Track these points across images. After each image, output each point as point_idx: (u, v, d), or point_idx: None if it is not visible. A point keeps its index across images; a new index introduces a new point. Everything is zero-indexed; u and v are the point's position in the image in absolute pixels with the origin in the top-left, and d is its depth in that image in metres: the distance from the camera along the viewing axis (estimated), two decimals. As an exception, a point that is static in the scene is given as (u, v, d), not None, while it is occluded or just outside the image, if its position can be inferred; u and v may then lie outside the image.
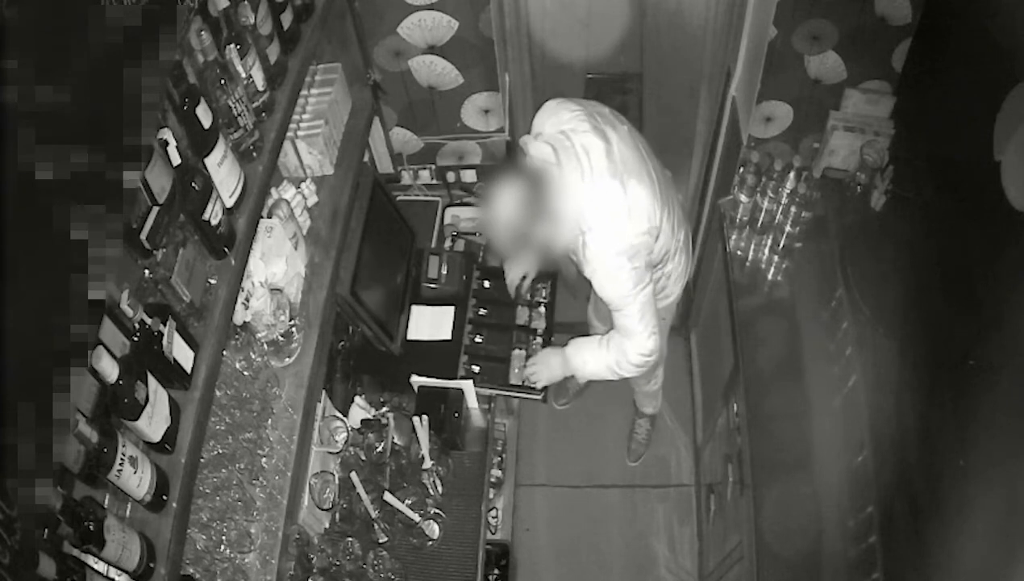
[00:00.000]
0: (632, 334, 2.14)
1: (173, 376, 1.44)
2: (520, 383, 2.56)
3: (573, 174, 1.99)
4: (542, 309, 2.71)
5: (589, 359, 2.32)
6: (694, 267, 2.75)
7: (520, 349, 2.61)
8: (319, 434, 2.21)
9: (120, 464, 1.26)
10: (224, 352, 1.72)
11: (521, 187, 1.92)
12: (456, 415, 2.49)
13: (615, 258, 2.02)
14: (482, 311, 2.71)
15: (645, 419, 3.48)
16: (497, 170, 1.99)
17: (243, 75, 1.69)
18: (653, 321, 2.15)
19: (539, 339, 2.64)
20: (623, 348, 2.19)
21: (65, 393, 1.08)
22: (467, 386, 2.53)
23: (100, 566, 1.24)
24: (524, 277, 2.60)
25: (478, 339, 2.65)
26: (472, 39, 2.60)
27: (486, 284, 2.76)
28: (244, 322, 1.90)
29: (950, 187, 2.16)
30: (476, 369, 2.59)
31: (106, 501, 1.34)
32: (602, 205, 2.00)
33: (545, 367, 2.48)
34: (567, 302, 3.39)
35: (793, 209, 2.64)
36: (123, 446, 1.27)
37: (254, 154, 1.76)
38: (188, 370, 1.48)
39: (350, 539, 2.21)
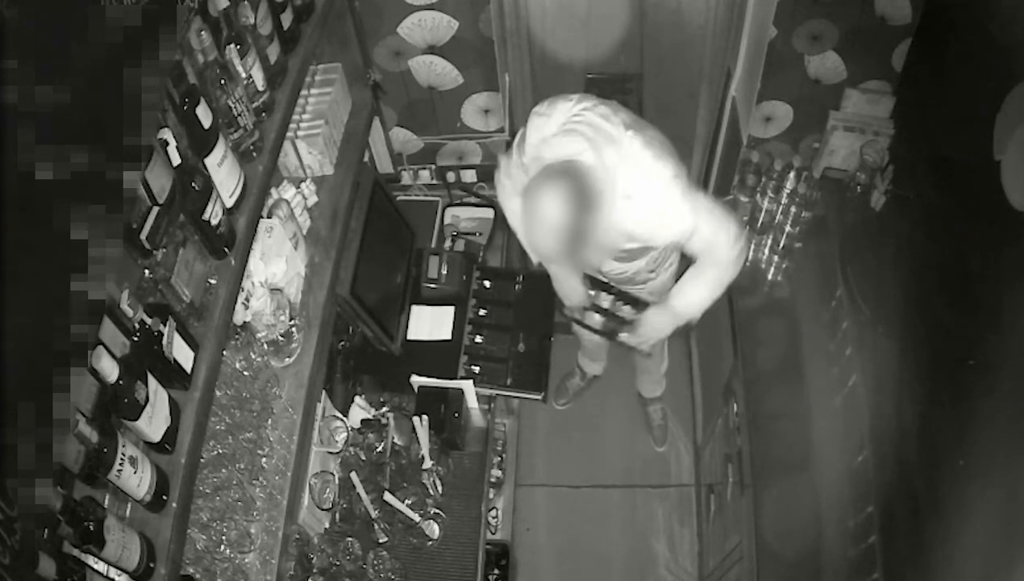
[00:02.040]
0: (715, 241, 2.07)
1: (173, 376, 1.44)
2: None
3: (607, 148, 1.93)
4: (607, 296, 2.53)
5: (695, 293, 2.23)
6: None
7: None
8: (319, 434, 2.21)
9: (120, 464, 1.26)
10: (224, 352, 1.72)
11: (567, 188, 1.82)
12: (456, 415, 2.49)
13: (668, 188, 1.96)
14: (482, 311, 2.71)
15: (656, 403, 3.50)
16: (531, 188, 1.86)
17: (243, 75, 1.69)
18: (717, 209, 2.08)
19: (625, 308, 2.49)
20: (717, 257, 2.11)
21: (65, 393, 1.08)
22: (467, 386, 2.53)
23: (100, 566, 1.24)
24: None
25: (478, 339, 2.65)
26: (472, 39, 2.60)
27: (486, 284, 2.76)
28: (244, 322, 1.90)
29: (950, 187, 2.16)
30: (476, 369, 2.59)
31: (106, 501, 1.34)
32: (637, 157, 1.95)
33: (653, 329, 2.38)
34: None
35: (793, 209, 2.64)
36: (123, 446, 1.27)
37: (254, 154, 1.76)
38: (188, 370, 1.48)
39: (350, 539, 2.21)
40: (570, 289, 2.46)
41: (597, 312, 2.49)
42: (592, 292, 2.45)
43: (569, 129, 1.97)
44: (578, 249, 1.92)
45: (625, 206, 1.96)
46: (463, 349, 2.62)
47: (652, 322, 2.38)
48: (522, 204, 1.90)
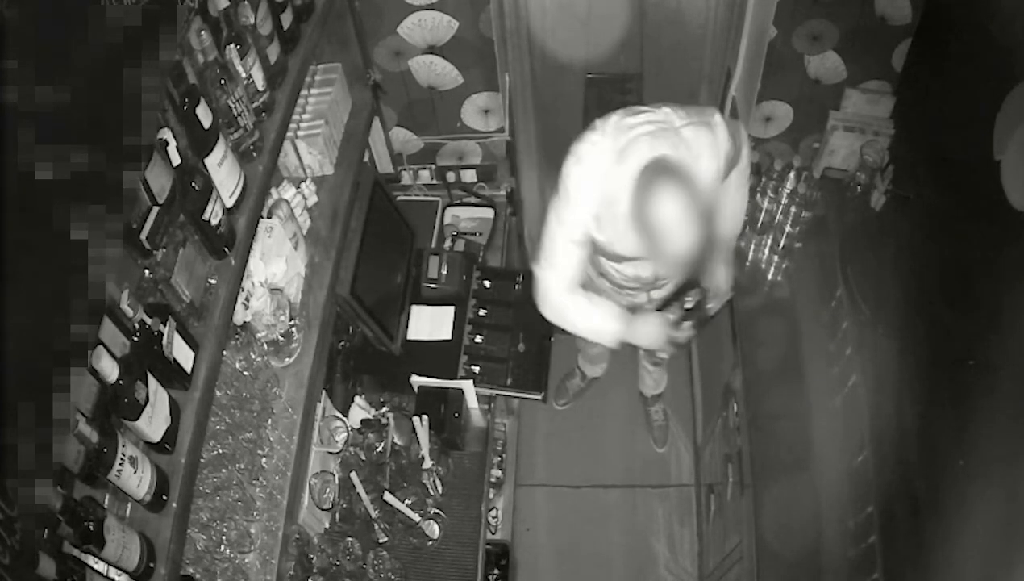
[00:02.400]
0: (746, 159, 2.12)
1: (173, 376, 1.44)
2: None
3: (665, 133, 1.89)
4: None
5: (737, 201, 2.19)
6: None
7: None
8: (319, 434, 2.21)
9: (120, 464, 1.26)
10: (224, 352, 1.72)
11: (673, 182, 1.75)
12: (456, 415, 2.49)
13: (714, 122, 1.96)
14: (482, 311, 2.71)
15: (657, 403, 3.50)
16: (642, 204, 1.77)
17: (243, 75, 1.69)
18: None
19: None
20: (742, 167, 2.13)
21: (65, 393, 1.08)
22: (467, 386, 2.53)
23: (100, 566, 1.24)
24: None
25: (478, 339, 2.65)
26: (472, 39, 2.60)
27: (486, 284, 2.76)
28: (244, 322, 1.90)
29: (950, 187, 2.16)
30: (476, 369, 2.59)
31: (106, 501, 1.34)
32: (683, 119, 1.92)
33: (722, 278, 2.24)
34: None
35: (793, 209, 2.64)
36: (123, 446, 1.27)
37: (254, 154, 1.76)
38: (188, 370, 1.48)
39: (350, 539, 2.21)
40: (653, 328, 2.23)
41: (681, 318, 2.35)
42: (671, 316, 2.30)
43: (627, 140, 1.88)
44: (712, 235, 1.83)
45: (700, 164, 1.91)
46: (463, 349, 2.62)
47: (717, 275, 2.25)
48: (640, 226, 1.80)
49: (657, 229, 1.77)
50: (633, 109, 1.96)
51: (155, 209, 1.38)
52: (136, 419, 1.31)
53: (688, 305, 2.28)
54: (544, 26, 2.80)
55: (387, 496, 2.29)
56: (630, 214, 1.83)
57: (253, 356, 1.91)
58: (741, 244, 2.74)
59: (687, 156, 1.87)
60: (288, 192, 2.16)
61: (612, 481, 3.49)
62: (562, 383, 3.58)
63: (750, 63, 2.65)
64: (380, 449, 2.33)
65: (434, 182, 3.12)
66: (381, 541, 2.31)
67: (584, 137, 1.95)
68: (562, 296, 2.09)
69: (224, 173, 1.59)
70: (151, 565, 1.32)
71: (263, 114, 1.80)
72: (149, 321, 1.36)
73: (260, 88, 1.77)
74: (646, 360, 3.26)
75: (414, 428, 2.41)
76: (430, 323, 2.67)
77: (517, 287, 2.77)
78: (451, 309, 2.68)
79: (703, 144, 1.92)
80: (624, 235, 1.94)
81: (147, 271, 1.42)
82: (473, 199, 3.08)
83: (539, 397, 2.63)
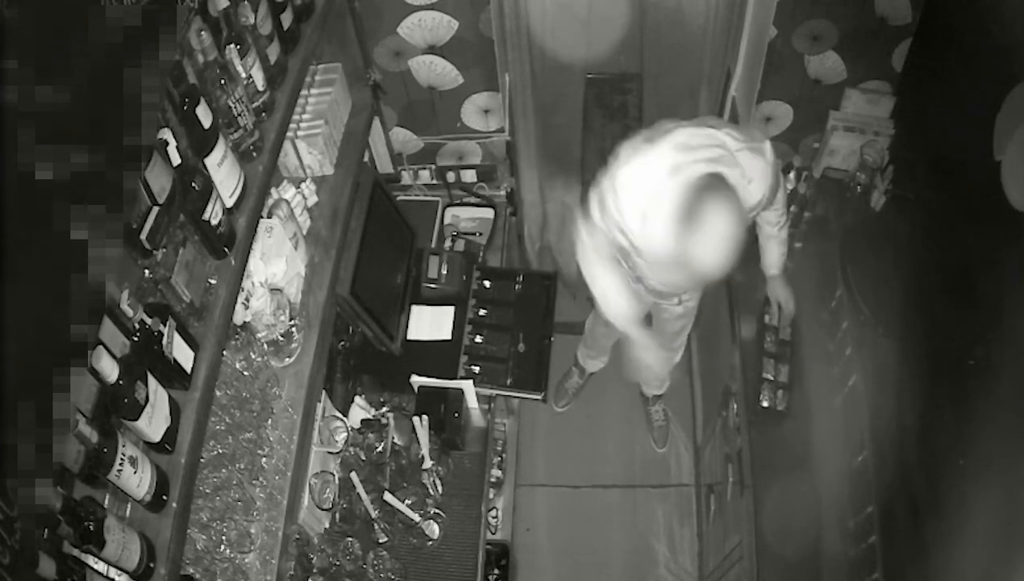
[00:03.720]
0: (780, 198, 2.18)
1: (173, 376, 1.44)
2: None
3: (722, 157, 1.94)
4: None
5: (781, 258, 2.39)
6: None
7: None
8: (319, 434, 2.21)
9: (120, 464, 1.26)
10: (224, 352, 1.72)
11: (726, 198, 1.81)
12: (456, 415, 2.49)
13: (762, 154, 2.01)
14: (482, 311, 2.71)
15: (658, 402, 3.50)
16: (694, 209, 1.81)
17: (243, 75, 1.69)
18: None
19: None
20: (783, 210, 2.24)
21: (65, 393, 1.08)
22: (467, 386, 2.53)
23: (100, 566, 1.24)
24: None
25: (478, 339, 2.65)
26: (472, 39, 2.60)
27: (486, 284, 2.76)
28: (244, 322, 1.90)
29: (950, 187, 2.16)
30: (476, 369, 2.59)
31: (106, 501, 1.34)
32: (734, 140, 1.98)
33: (786, 297, 2.48)
34: (567, 302, 3.40)
35: (793, 209, 2.64)
36: (123, 446, 1.27)
37: (254, 154, 1.76)
38: (188, 370, 1.48)
39: (350, 539, 2.21)
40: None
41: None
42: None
43: (681, 168, 1.91)
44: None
45: (750, 188, 1.97)
46: (463, 349, 2.62)
47: (780, 293, 2.47)
48: (681, 230, 1.82)
49: (698, 238, 1.79)
50: (695, 132, 1.98)
51: (155, 209, 1.38)
52: (136, 419, 1.31)
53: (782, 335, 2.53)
54: (544, 26, 2.80)
55: (387, 496, 2.29)
56: (674, 216, 1.84)
57: (253, 356, 1.91)
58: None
59: (740, 180, 1.92)
60: (288, 192, 2.16)
61: (612, 481, 3.49)
62: (560, 385, 3.58)
63: (750, 63, 2.65)
64: (380, 449, 2.33)
65: (434, 182, 3.12)
66: (381, 541, 2.31)
67: (641, 145, 1.99)
68: (591, 254, 2.21)
69: (224, 173, 1.59)
70: (151, 565, 1.32)
71: (263, 114, 1.80)
72: (149, 321, 1.36)
73: (260, 88, 1.77)
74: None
75: (414, 428, 2.41)
76: (430, 323, 2.67)
77: (517, 287, 2.77)
78: (451, 309, 2.68)
79: (756, 169, 1.98)
80: (655, 238, 1.96)
81: (147, 271, 1.42)
82: (473, 199, 3.08)
83: (539, 397, 2.63)
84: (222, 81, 1.59)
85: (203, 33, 1.54)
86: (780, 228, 2.31)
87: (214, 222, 1.54)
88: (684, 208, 1.81)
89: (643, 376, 2.57)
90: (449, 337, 2.64)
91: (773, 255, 2.40)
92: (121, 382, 1.26)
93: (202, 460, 1.68)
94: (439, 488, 2.42)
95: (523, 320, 2.69)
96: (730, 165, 1.92)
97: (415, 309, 2.68)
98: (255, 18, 1.72)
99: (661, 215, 1.89)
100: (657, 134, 1.99)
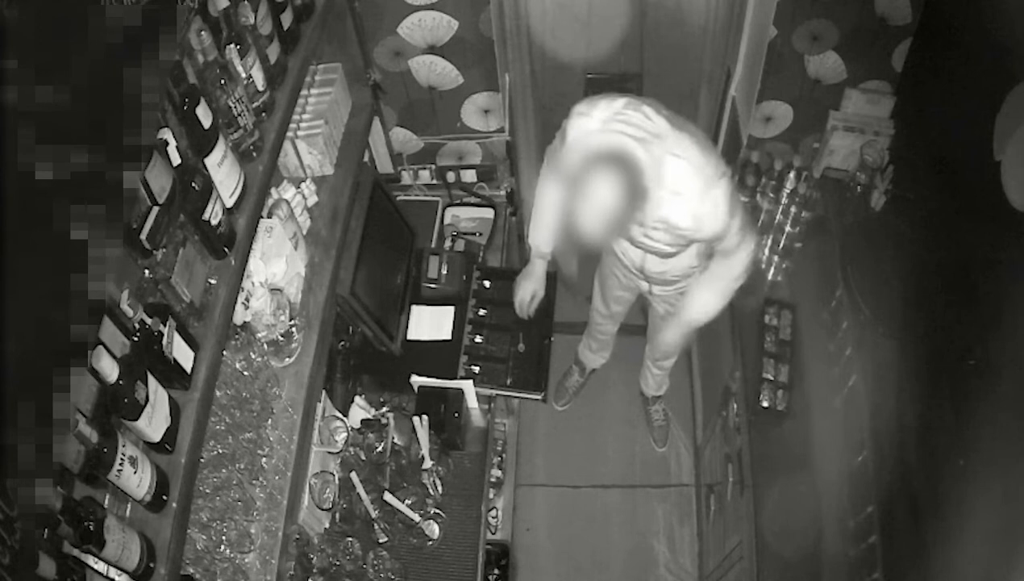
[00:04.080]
0: (741, 246, 2.13)
1: (173, 376, 1.44)
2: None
3: (654, 143, 1.95)
4: None
5: (709, 303, 2.31)
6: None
7: None
8: (319, 434, 2.21)
9: (120, 464, 1.26)
10: (224, 352, 1.72)
11: (619, 177, 1.84)
12: (456, 415, 2.49)
13: (716, 187, 1.99)
14: (482, 311, 2.71)
15: (658, 402, 3.50)
16: (583, 170, 1.86)
17: (243, 75, 1.69)
18: (746, 217, 2.13)
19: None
20: (733, 264, 2.19)
21: (65, 393, 1.08)
22: (467, 386, 2.53)
23: (100, 566, 1.24)
24: (533, 296, 2.57)
25: (478, 339, 2.65)
26: (472, 39, 2.60)
27: (486, 284, 2.76)
28: (244, 322, 1.90)
29: (950, 187, 2.16)
30: (476, 369, 2.59)
31: (106, 501, 1.34)
32: (686, 152, 1.98)
33: (667, 344, 2.50)
34: (568, 302, 3.40)
35: (793, 209, 2.64)
36: (123, 446, 1.27)
37: (254, 154, 1.76)
38: (188, 370, 1.48)
39: (350, 539, 2.21)
40: (520, 288, 2.56)
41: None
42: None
43: (613, 129, 1.97)
44: (612, 236, 1.97)
45: (673, 201, 1.98)
46: (463, 349, 2.62)
47: (667, 339, 2.46)
48: (567, 186, 1.90)
49: (577, 195, 1.85)
50: (649, 110, 2.00)
51: (155, 209, 1.38)
52: (136, 419, 1.31)
53: None
54: (544, 26, 2.80)
55: (387, 496, 2.29)
56: (568, 169, 1.93)
57: (253, 356, 1.91)
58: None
59: (651, 174, 1.91)
60: (288, 192, 2.16)
61: (612, 481, 3.49)
62: (560, 384, 3.58)
63: (750, 63, 2.65)
64: (380, 449, 2.33)
65: (434, 182, 3.12)
66: (381, 541, 2.31)
67: (600, 97, 2.06)
68: (544, 172, 2.34)
69: (224, 173, 1.59)
70: (151, 565, 1.32)
71: (263, 114, 1.80)
72: (149, 321, 1.36)
73: (260, 88, 1.77)
74: (653, 365, 3.27)
75: (414, 428, 2.41)
76: (430, 323, 2.67)
77: None
78: (451, 309, 2.68)
79: (676, 179, 1.96)
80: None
81: (147, 271, 1.42)
82: (473, 199, 3.08)
83: (539, 397, 2.63)
84: (222, 81, 1.59)
85: (203, 33, 1.54)
86: (719, 276, 2.24)
87: (214, 222, 1.54)
88: (578, 165, 1.87)
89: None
90: (449, 337, 2.64)
91: (695, 297, 2.34)
92: (121, 382, 1.26)
93: (202, 460, 1.68)
94: (439, 488, 2.42)
95: (523, 320, 2.70)
96: (650, 153, 1.92)
97: (415, 309, 2.68)
98: (255, 18, 1.72)
99: (567, 164, 1.98)
100: (624, 98, 2.03)
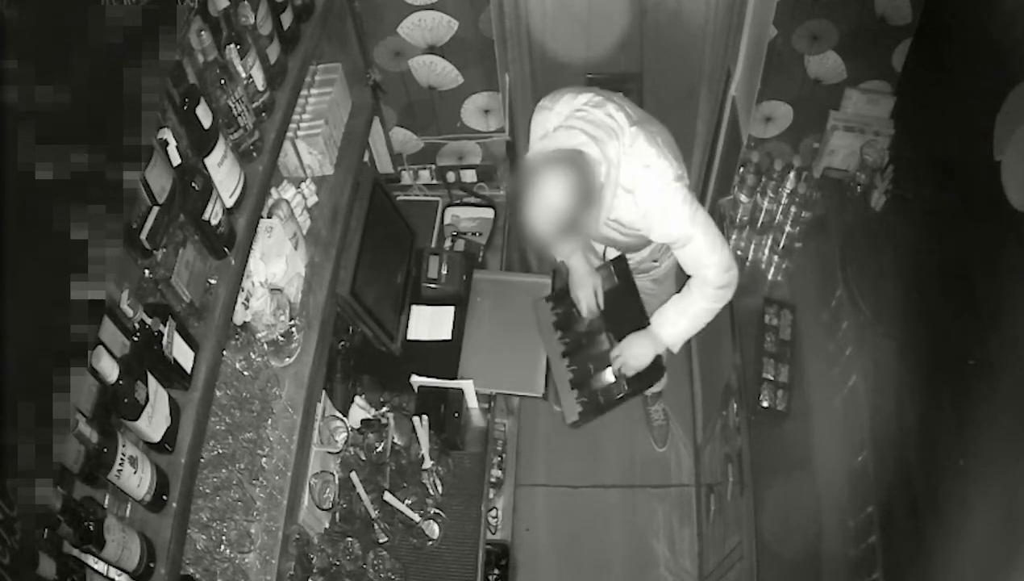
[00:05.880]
0: (706, 259, 2.08)
1: (173, 376, 1.44)
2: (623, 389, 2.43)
3: (611, 143, 1.95)
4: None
5: (679, 323, 2.24)
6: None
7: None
8: (319, 434, 2.21)
9: (120, 464, 1.26)
10: (224, 352, 1.72)
11: (568, 177, 1.83)
12: (456, 415, 2.49)
13: (669, 189, 1.98)
14: (567, 339, 2.54)
15: (657, 401, 3.50)
16: (532, 170, 1.87)
17: (243, 75, 1.69)
18: (719, 233, 2.10)
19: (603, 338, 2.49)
20: (705, 280, 2.13)
21: (65, 393, 1.08)
22: (467, 386, 2.53)
23: (100, 566, 1.24)
24: (595, 291, 2.47)
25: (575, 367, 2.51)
26: (472, 39, 2.60)
27: (559, 311, 2.57)
28: (244, 322, 1.90)
29: (950, 187, 2.16)
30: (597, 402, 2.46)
31: (106, 501, 1.34)
32: (640, 153, 1.98)
33: (632, 356, 2.36)
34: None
35: (793, 209, 2.64)
36: (123, 446, 1.27)
37: (254, 154, 1.76)
38: (188, 370, 1.48)
39: (350, 539, 2.21)
40: (579, 289, 2.45)
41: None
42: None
43: (571, 125, 1.98)
44: (569, 238, 1.96)
45: (626, 200, 1.98)
46: (570, 382, 2.50)
47: (630, 346, 2.37)
48: (519, 183, 1.90)
49: (525, 195, 1.86)
50: (611, 108, 2.02)
51: (155, 209, 1.38)
52: (136, 419, 1.31)
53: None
54: (544, 26, 2.80)
55: (387, 496, 2.29)
56: (526, 158, 1.96)
57: (253, 356, 1.91)
58: (739, 248, 2.75)
59: (605, 173, 1.93)
60: (288, 192, 2.16)
61: (612, 481, 3.49)
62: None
63: (750, 63, 2.65)
64: (380, 449, 2.33)
65: (434, 182, 3.12)
66: (381, 541, 2.31)
67: (565, 91, 2.10)
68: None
69: (224, 173, 1.59)
70: (151, 565, 1.33)
71: (263, 114, 1.80)
72: (149, 321, 1.36)
73: (260, 88, 1.77)
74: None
75: (414, 428, 2.41)
76: (430, 323, 2.67)
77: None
78: (451, 309, 2.68)
79: (630, 178, 1.97)
80: None
81: (147, 271, 1.42)
82: (473, 199, 3.08)
83: (539, 395, 2.62)
84: (222, 81, 1.59)
85: (203, 33, 1.54)
86: (694, 294, 2.18)
87: (214, 222, 1.54)
88: (535, 162, 1.88)
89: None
90: (449, 337, 2.64)
91: (668, 313, 2.27)
92: (121, 382, 1.26)
93: (202, 460, 1.68)
94: (439, 488, 2.42)
95: (603, 320, 2.61)
96: (605, 151, 1.93)
97: (415, 309, 2.68)
98: (255, 18, 1.73)
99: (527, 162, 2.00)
100: (589, 94, 2.06)
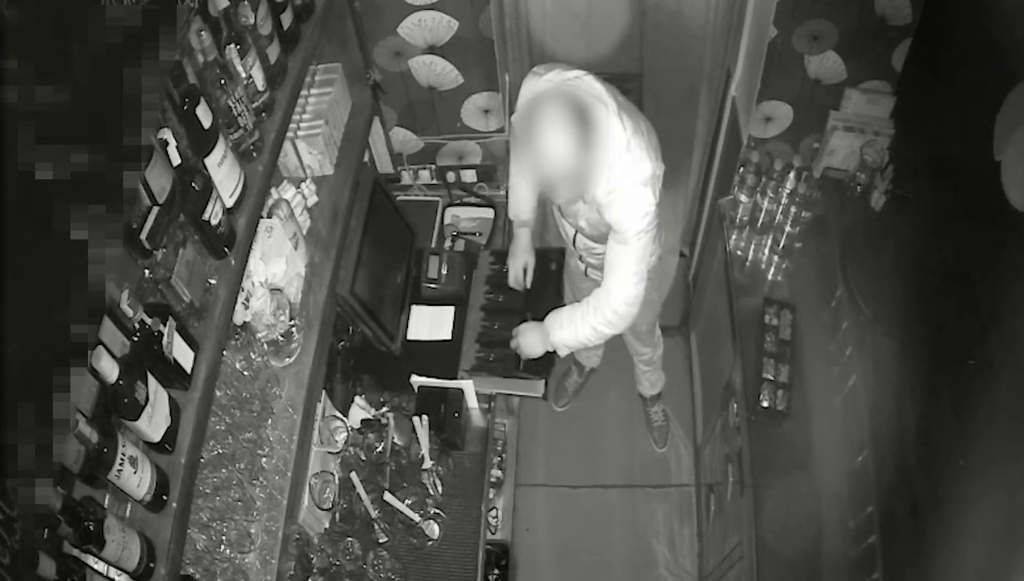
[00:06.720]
0: (623, 277, 2.11)
1: (173, 376, 1.44)
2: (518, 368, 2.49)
3: (602, 108, 1.98)
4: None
5: (570, 328, 2.28)
6: (676, 241, 2.72)
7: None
8: (319, 434, 2.21)
9: (120, 464, 1.26)
10: (224, 352, 1.72)
11: (576, 112, 1.86)
12: (456, 415, 2.49)
13: (638, 187, 2.00)
14: (499, 298, 2.66)
15: (657, 402, 3.51)
16: (544, 102, 1.88)
17: (243, 75, 1.69)
18: (644, 271, 2.14)
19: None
20: (608, 294, 2.16)
21: (65, 393, 1.08)
22: (467, 386, 2.53)
23: (100, 566, 1.24)
24: (525, 267, 2.58)
25: (492, 325, 2.61)
26: (472, 39, 2.60)
27: (498, 267, 2.72)
28: (244, 322, 1.90)
29: (950, 187, 2.16)
30: (490, 356, 2.54)
31: (106, 501, 1.35)
32: (619, 140, 1.99)
33: (525, 342, 2.42)
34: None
35: (793, 209, 2.64)
36: (123, 446, 1.27)
37: (254, 154, 1.76)
38: (188, 370, 1.48)
39: (350, 539, 2.21)
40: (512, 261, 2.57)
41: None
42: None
43: (564, 91, 1.98)
44: (571, 179, 1.96)
45: (601, 170, 2.00)
46: (476, 336, 2.60)
47: (525, 333, 2.42)
48: (526, 123, 1.91)
49: (535, 127, 1.88)
50: (603, 87, 2.05)
51: (155, 209, 1.38)
52: (136, 419, 1.31)
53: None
54: (544, 26, 2.80)
55: (387, 496, 2.29)
56: (524, 116, 1.95)
57: (253, 356, 1.91)
58: (739, 248, 2.74)
59: (601, 123, 1.94)
60: (288, 192, 2.16)
61: (612, 481, 3.49)
62: (560, 384, 3.58)
63: (750, 63, 2.65)
64: (380, 449, 2.33)
65: (434, 182, 3.12)
66: (381, 541, 2.31)
67: (559, 64, 2.12)
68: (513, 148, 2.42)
69: (224, 173, 1.59)
70: (151, 565, 1.33)
71: (263, 114, 1.80)
72: (149, 321, 1.36)
73: (260, 88, 1.77)
74: (638, 360, 3.27)
75: (414, 428, 2.41)
76: (430, 323, 2.66)
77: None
78: (451, 309, 2.68)
79: (616, 158, 1.98)
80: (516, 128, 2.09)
81: (147, 271, 1.42)
82: (473, 199, 3.08)
83: (539, 395, 2.61)
84: (222, 81, 1.59)
85: (203, 33, 1.54)
86: (592, 308, 2.21)
87: (214, 222, 1.54)
88: (531, 108, 1.91)
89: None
90: (449, 337, 2.64)
91: (563, 316, 2.30)
92: (121, 382, 1.26)
93: (202, 460, 1.68)
94: (439, 488, 2.42)
95: (533, 302, 2.62)
96: (598, 113, 1.95)
97: (415, 309, 2.68)
98: (255, 18, 1.73)
99: (521, 117, 2.01)
100: (580, 70, 2.08)
